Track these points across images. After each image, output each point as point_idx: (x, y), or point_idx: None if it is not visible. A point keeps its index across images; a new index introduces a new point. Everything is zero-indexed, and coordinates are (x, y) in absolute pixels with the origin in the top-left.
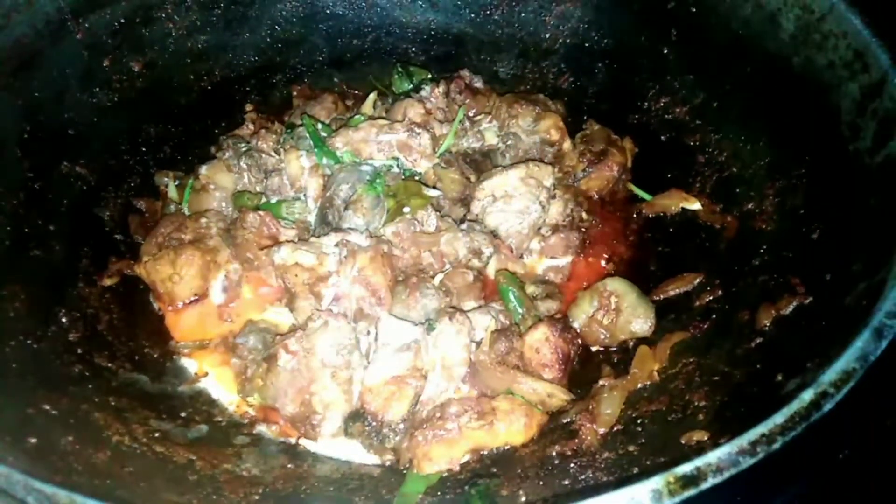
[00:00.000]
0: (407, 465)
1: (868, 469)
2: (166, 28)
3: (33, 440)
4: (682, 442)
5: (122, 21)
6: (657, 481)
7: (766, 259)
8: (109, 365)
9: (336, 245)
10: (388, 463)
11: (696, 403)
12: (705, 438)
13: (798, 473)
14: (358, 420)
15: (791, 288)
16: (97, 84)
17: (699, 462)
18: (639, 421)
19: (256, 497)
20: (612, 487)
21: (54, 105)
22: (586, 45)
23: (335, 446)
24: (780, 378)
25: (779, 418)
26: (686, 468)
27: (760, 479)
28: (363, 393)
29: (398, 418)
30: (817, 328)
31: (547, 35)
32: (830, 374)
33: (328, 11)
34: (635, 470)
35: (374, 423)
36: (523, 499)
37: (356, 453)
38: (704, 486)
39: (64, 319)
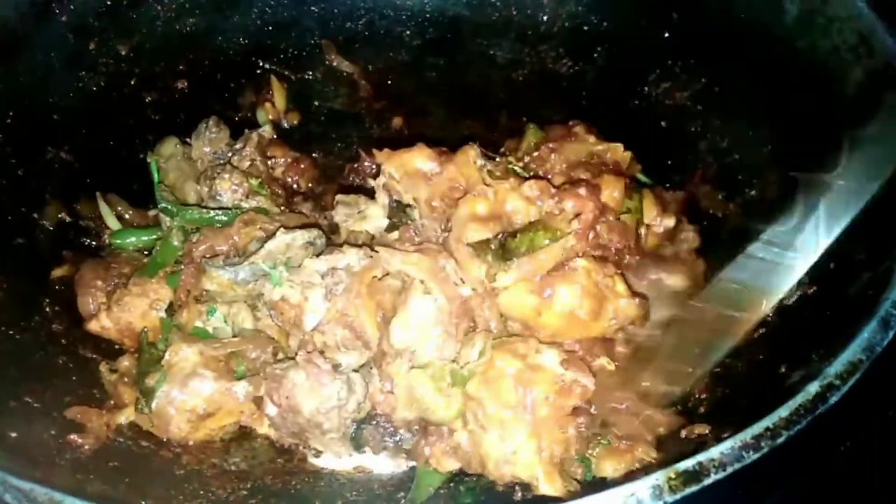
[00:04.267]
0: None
1: (870, 461)
2: (154, 10)
3: (14, 434)
4: (683, 435)
5: (108, 3)
6: (658, 477)
7: None
8: (94, 356)
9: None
10: (402, 467)
11: (697, 395)
12: (706, 432)
13: (799, 466)
14: (369, 424)
15: None
16: (83, 68)
17: (701, 457)
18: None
19: (244, 492)
20: (612, 484)
21: (39, 90)
22: (585, 28)
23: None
24: (783, 369)
25: (783, 412)
26: (688, 464)
27: (761, 471)
28: (372, 395)
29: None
30: (821, 319)
31: (545, 18)
32: (836, 366)
33: None
34: (636, 465)
35: (387, 426)
36: (518, 496)
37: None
38: (707, 481)
39: (48, 309)
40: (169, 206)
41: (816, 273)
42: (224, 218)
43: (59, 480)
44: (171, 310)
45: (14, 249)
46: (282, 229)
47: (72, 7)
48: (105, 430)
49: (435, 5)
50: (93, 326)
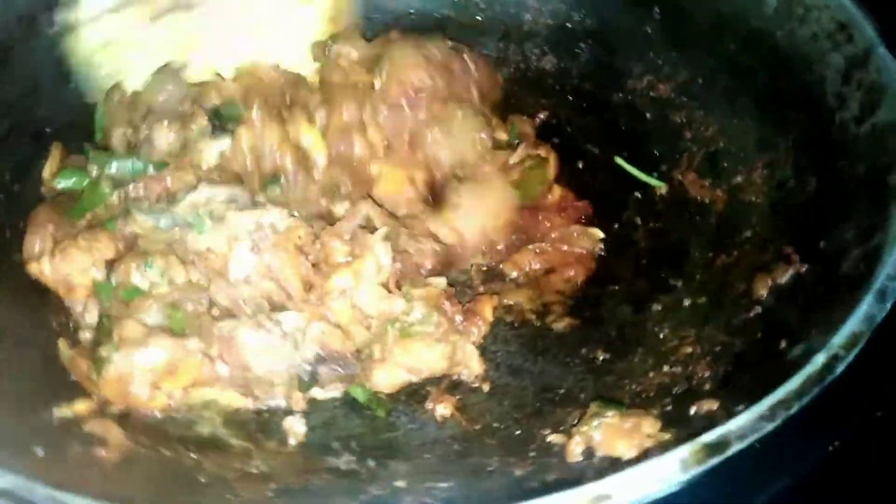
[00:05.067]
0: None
1: (858, 460)
2: None
3: (40, 449)
4: (693, 412)
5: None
6: (684, 451)
7: (758, 230)
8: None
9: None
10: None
11: (700, 374)
12: (715, 407)
13: (787, 465)
14: (321, 365)
15: (785, 257)
16: (72, 80)
17: (722, 430)
18: (643, 395)
19: (270, 493)
20: (637, 461)
21: (29, 103)
22: (568, 25)
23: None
24: (783, 345)
25: (794, 383)
26: (710, 437)
27: (749, 471)
28: (318, 338)
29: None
30: (815, 295)
31: (528, 16)
32: (839, 338)
33: None
34: (650, 443)
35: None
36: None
37: None
38: (729, 452)
39: (54, 324)
40: (97, 155)
41: (807, 252)
42: (153, 172)
43: (89, 490)
44: (111, 267)
45: (14, 266)
46: (204, 182)
47: (58, 19)
48: (126, 443)
49: (419, 7)
50: (32, 269)
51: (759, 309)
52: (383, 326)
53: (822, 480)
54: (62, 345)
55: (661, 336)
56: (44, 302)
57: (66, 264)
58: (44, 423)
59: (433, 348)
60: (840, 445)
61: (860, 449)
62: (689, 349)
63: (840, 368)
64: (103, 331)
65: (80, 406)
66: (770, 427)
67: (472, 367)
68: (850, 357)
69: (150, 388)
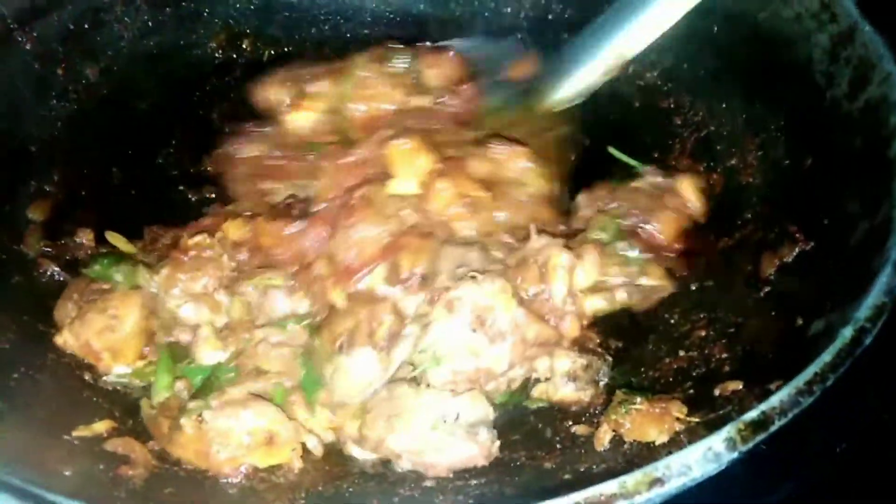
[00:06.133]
0: None
1: (865, 463)
2: (118, 31)
3: (67, 472)
4: (717, 394)
5: (71, 27)
6: (729, 430)
7: (759, 211)
8: (117, 387)
9: None
10: None
11: (717, 356)
12: (740, 387)
13: (795, 467)
14: None
15: (790, 236)
16: (53, 96)
17: (764, 407)
18: (662, 381)
19: (302, 501)
20: (669, 445)
21: (11, 121)
22: (549, 16)
23: None
24: (799, 322)
25: (827, 356)
26: (753, 414)
27: (757, 473)
28: None
29: None
30: (826, 271)
31: (508, 10)
32: (864, 311)
33: (282, 1)
34: (679, 427)
35: None
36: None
37: None
38: (773, 429)
39: (59, 346)
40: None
41: (811, 229)
42: None
43: None
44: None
45: (14, 289)
46: None
47: (34, 34)
48: (150, 459)
49: (398, 5)
50: (57, 340)
51: (768, 288)
52: None
53: (830, 483)
54: (144, 404)
55: (672, 322)
56: (48, 324)
57: (84, 329)
58: (66, 444)
59: None
60: (847, 448)
61: (867, 451)
62: (703, 332)
63: (868, 340)
64: (206, 388)
65: (100, 426)
66: (808, 401)
67: None
68: (876, 329)
69: (230, 455)
